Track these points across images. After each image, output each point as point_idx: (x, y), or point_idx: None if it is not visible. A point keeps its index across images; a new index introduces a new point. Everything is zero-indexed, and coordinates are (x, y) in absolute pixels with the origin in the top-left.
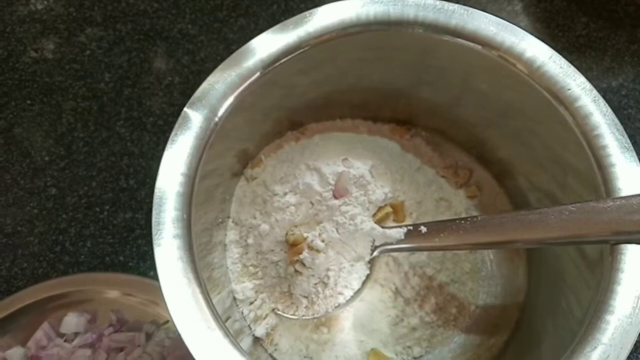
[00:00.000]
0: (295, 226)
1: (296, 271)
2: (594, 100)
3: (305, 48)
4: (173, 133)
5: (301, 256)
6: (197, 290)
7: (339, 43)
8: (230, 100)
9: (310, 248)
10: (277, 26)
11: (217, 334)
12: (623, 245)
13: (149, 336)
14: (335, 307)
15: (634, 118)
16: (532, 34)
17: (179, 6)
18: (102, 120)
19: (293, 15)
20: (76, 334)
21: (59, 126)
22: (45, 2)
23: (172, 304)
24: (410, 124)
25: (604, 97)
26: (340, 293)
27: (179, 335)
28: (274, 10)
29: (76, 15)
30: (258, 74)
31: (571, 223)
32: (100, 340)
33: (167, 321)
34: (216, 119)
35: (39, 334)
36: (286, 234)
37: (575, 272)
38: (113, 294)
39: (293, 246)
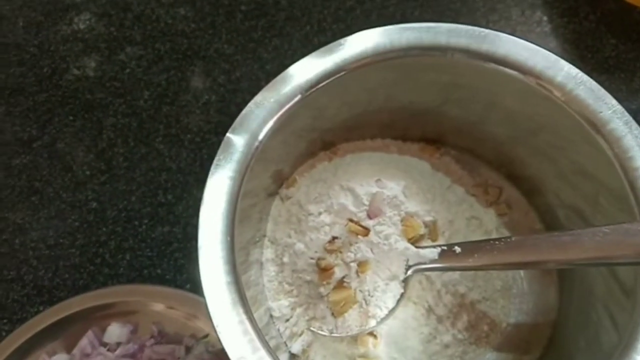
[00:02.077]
0: (332, 245)
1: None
2: (626, 123)
3: (341, 74)
4: (217, 157)
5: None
6: (241, 310)
7: (372, 68)
8: (270, 124)
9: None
10: (314, 53)
11: (262, 354)
12: None
13: (188, 349)
14: (370, 325)
15: None
16: (561, 55)
17: (215, 27)
18: (141, 137)
19: (326, 35)
20: (118, 344)
21: (100, 142)
22: (88, 22)
23: (219, 324)
24: (439, 143)
25: (634, 118)
26: (374, 311)
27: (218, 349)
28: (307, 30)
29: (117, 34)
30: (296, 99)
31: (605, 245)
32: (142, 351)
33: (207, 335)
34: (257, 143)
35: (83, 342)
36: (317, 260)
37: (604, 286)
38: (157, 306)
39: (324, 271)
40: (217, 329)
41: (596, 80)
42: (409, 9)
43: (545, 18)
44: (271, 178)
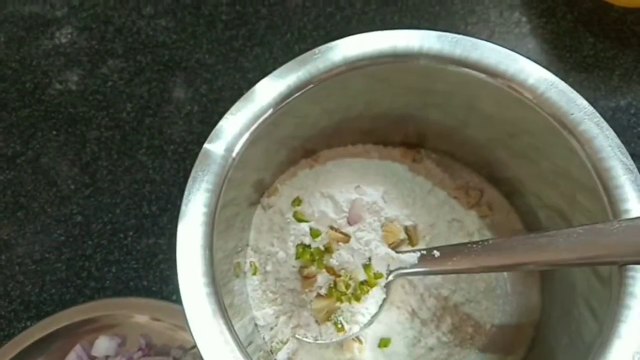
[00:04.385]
0: (310, 252)
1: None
2: (598, 124)
3: (316, 83)
4: (194, 170)
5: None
6: (221, 321)
7: (348, 75)
8: (246, 135)
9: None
10: (289, 63)
11: None
12: (631, 267)
13: None
14: (353, 331)
15: None
16: (540, 55)
17: (196, 37)
18: (124, 149)
19: (306, 42)
20: (107, 357)
21: (84, 155)
22: (69, 36)
23: (198, 336)
24: (420, 147)
25: (612, 116)
26: (357, 317)
27: None
28: (288, 38)
29: (98, 47)
30: (271, 110)
31: (579, 246)
32: None
33: (194, 346)
34: (234, 154)
35: (71, 356)
36: (299, 268)
37: (584, 280)
38: (142, 318)
39: (306, 278)
40: (196, 340)
41: (575, 80)
42: (389, 14)
43: (523, 19)
44: (252, 187)
